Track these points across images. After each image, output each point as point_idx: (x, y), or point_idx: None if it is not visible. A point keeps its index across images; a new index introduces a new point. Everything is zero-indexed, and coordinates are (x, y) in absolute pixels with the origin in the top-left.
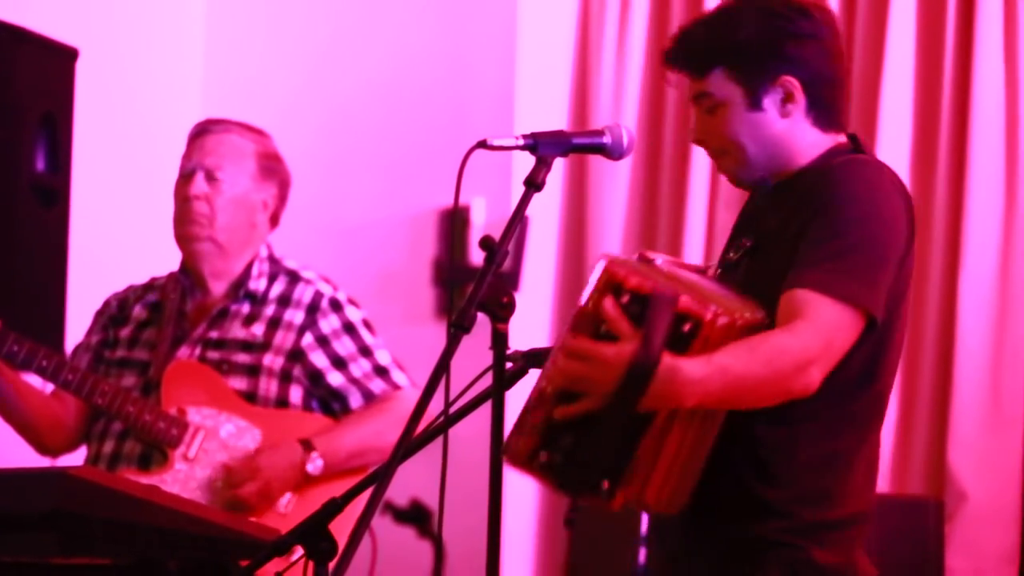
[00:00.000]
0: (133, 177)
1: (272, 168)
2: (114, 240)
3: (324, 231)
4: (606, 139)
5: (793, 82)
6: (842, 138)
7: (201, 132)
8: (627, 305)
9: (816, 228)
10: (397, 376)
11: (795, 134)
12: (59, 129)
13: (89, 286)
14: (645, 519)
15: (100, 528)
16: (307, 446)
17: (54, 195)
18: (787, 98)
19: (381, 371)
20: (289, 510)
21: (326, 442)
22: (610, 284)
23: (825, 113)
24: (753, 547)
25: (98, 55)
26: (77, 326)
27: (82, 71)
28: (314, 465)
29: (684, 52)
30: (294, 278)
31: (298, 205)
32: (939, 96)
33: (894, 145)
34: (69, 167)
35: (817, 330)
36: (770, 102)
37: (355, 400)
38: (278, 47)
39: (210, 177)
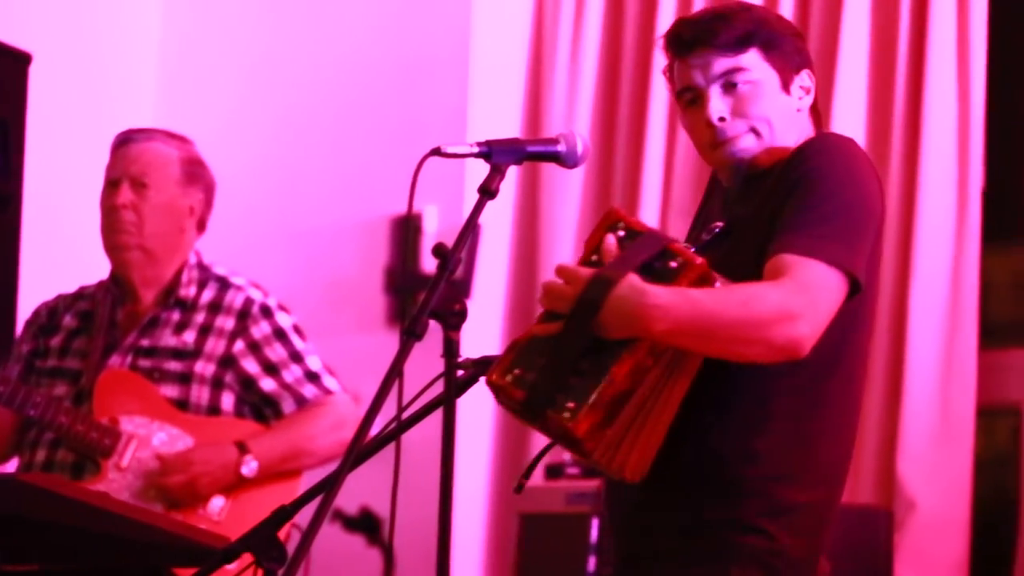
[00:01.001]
0: (86, 182)
1: (197, 173)
2: (66, 245)
3: (276, 237)
4: (561, 147)
5: (811, 76)
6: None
7: (124, 141)
8: (622, 239)
9: (797, 197)
10: (328, 381)
11: (801, 128)
12: (11, 134)
13: (41, 291)
14: (595, 526)
15: (51, 535)
16: (242, 448)
17: (6, 200)
18: (804, 91)
19: (312, 376)
20: (223, 517)
21: (260, 444)
22: (609, 219)
23: (819, 117)
24: (727, 532)
25: (52, 60)
26: None
27: (35, 76)
28: (248, 467)
29: (725, 26)
30: (224, 284)
31: (251, 212)
32: (891, 105)
33: None
34: (21, 172)
35: (800, 286)
36: (794, 90)
37: (288, 405)
38: (231, 54)
39: (136, 185)
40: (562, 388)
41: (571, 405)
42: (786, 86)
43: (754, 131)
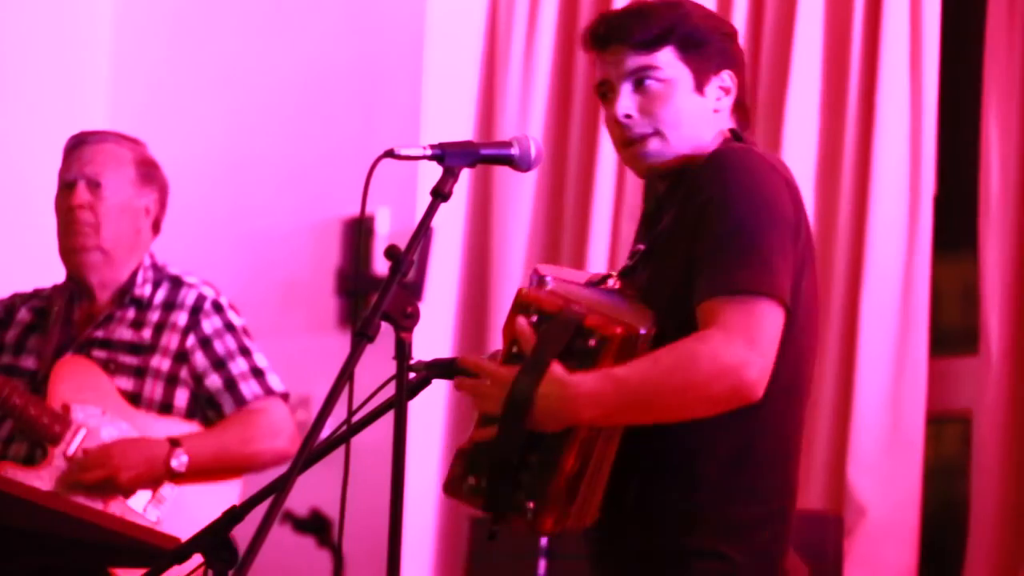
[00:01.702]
0: (39, 183)
1: (151, 174)
2: (22, 245)
3: (228, 239)
4: (514, 151)
5: (732, 77)
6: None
7: (78, 143)
8: (536, 324)
9: (705, 232)
10: (272, 380)
11: (719, 129)
12: None
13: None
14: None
15: None
16: (173, 443)
17: None
18: (724, 92)
19: (257, 373)
20: (155, 518)
21: (193, 440)
22: (520, 304)
23: (745, 115)
24: (685, 560)
25: (2, 59)
26: None
27: None
28: (178, 461)
29: (640, 24)
30: (177, 283)
31: (203, 212)
32: (844, 111)
33: (799, 161)
34: None
35: (732, 332)
36: (710, 91)
37: (228, 407)
38: (184, 54)
39: (92, 185)
40: (516, 487)
41: (531, 505)
42: (700, 87)
43: (659, 133)
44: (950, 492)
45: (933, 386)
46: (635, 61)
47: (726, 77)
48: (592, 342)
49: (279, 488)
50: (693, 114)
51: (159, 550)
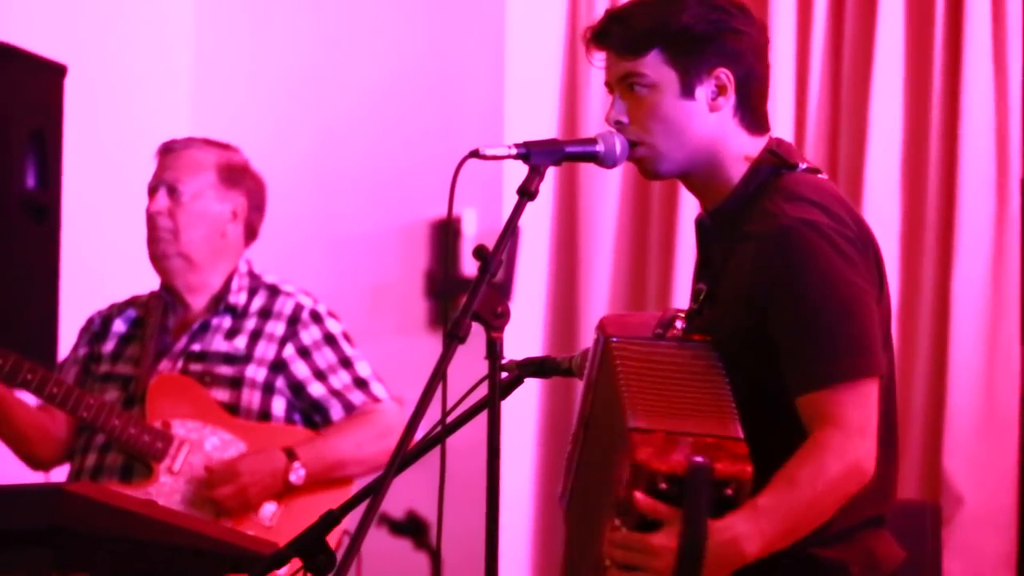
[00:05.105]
0: (123, 192)
1: (235, 178)
2: (105, 255)
3: (316, 244)
4: (599, 147)
5: (728, 75)
6: (764, 141)
7: (164, 151)
8: (666, 491)
9: (787, 312)
10: (376, 388)
11: (723, 134)
12: (48, 145)
13: (80, 301)
14: None
15: (96, 544)
16: (290, 455)
17: (44, 211)
18: (719, 91)
19: (361, 383)
20: (275, 523)
21: (308, 452)
22: (643, 476)
23: (751, 114)
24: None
25: (87, 71)
26: (69, 341)
27: (71, 87)
28: (296, 475)
29: (621, 29)
30: (274, 291)
31: (290, 219)
32: (928, 103)
33: (884, 152)
34: (59, 183)
35: (845, 429)
36: (702, 92)
37: (336, 412)
38: (266, 61)
39: (171, 191)
40: None
41: None
42: (690, 90)
43: (649, 146)
44: None
45: None
46: (622, 67)
47: (722, 76)
48: (730, 491)
49: (375, 491)
50: (683, 118)
51: (260, 556)
